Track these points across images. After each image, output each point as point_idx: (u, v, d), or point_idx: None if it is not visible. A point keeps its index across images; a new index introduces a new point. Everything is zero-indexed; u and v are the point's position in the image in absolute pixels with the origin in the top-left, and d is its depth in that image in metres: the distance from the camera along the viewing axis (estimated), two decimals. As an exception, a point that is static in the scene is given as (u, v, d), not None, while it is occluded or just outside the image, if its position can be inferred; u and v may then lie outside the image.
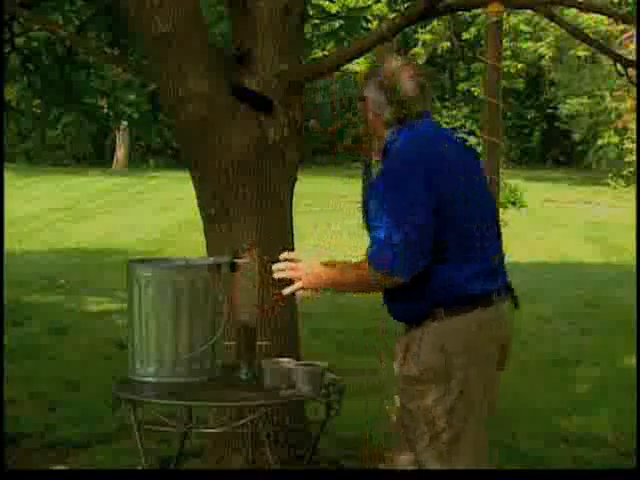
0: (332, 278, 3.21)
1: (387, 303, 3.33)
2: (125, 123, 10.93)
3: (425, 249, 3.13)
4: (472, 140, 24.70)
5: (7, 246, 10.34)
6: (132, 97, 10.81)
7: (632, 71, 5.07)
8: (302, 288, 3.23)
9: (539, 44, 30.75)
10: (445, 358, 3.21)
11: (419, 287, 3.19)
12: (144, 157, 32.16)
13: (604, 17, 21.86)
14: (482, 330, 3.24)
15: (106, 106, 9.31)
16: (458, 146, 3.37)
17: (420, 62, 30.20)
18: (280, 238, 4.78)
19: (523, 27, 30.69)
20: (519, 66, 31.70)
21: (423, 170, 3.16)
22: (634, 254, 10.70)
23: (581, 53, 27.65)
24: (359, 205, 3.53)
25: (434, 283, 3.20)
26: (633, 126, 23.99)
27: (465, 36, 31.01)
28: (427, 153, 3.21)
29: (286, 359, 3.76)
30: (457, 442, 3.26)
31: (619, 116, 26.03)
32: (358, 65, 25.00)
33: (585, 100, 28.18)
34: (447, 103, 33.38)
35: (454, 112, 33.10)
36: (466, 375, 3.23)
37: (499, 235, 3.41)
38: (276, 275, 3.24)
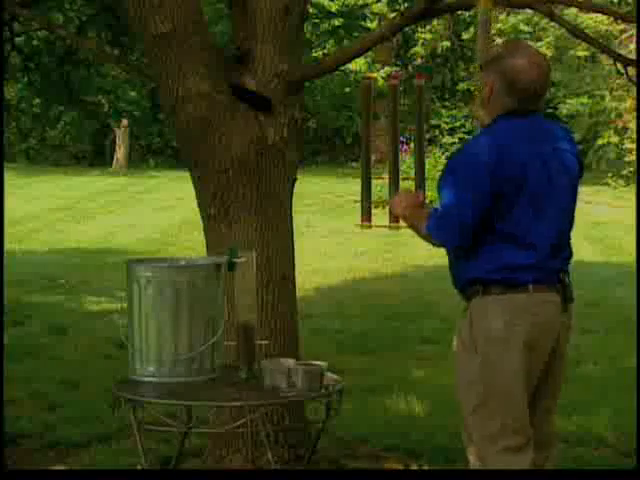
0: (411, 222, 3.54)
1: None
2: (125, 122, 10.94)
3: (465, 230, 3.35)
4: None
5: (7, 246, 10.30)
6: (133, 94, 10.81)
7: (632, 70, 5.06)
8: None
9: (539, 44, 30.72)
10: (471, 334, 3.38)
11: (463, 262, 3.43)
12: (144, 157, 32.08)
13: (604, 17, 21.87)
14: (505, 316, 3.34)
15: (107, 104, 9.29)
16: (547, 148, 3.48)
17: (420, 62, 30.18)
18: (280, 238, 4.78)
19: (523, 27, 30.64)
20: (519, 66, 31.59)
21: (485, 166, 3.32)
22: (634, 254, 10.68)
23: (581, 53, 27.58)
24: (357, 204, 3.73)
25: (475, 261, 3.39)
26: (633, 126, 23.94)
27: (465, 36, 30.94)
28: (499, 146, 3.35)
29: (286, 359, 3.76)
30: (469, 423, 3.41)
31: (619, 116, 25.97)
32: (356, 64, 24.98)
33: (585, 100, 28.13)
34: (447, 103, 33.32)
35: (454, 112, 33.03)
36: (486, 356, 3.34)
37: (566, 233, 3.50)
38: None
